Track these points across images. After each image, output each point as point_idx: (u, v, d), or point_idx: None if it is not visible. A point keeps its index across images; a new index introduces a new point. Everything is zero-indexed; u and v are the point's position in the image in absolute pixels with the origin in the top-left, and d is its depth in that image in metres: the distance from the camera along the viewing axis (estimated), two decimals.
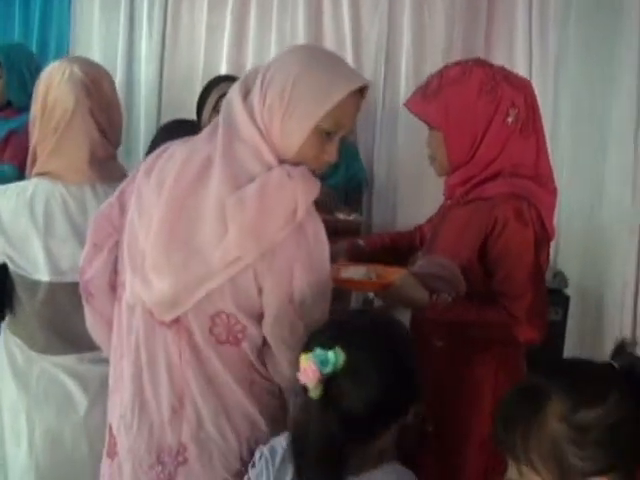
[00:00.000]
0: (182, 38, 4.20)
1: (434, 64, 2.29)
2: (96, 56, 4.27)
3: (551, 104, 3.42)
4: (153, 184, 1.67)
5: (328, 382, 1.39)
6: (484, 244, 2.04)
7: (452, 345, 2.08)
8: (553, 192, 2.17)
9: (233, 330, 1.64)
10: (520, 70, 3.45)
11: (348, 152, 3.46)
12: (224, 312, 1.63)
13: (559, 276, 3.33)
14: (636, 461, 1.27)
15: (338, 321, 1.57)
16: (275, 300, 1.61)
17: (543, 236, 2.06)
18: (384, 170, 3.74)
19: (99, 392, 2.03)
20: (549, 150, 3.25)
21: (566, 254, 3.45)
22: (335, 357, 1.38)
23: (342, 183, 3.43)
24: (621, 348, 1.35)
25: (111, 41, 4.31)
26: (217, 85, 3.46)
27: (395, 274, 2.07)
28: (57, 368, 2.12)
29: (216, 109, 3.43)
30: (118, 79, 4.23)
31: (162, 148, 1.73)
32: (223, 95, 3.38)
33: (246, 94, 1.68)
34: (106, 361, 1.83)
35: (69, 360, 2.12)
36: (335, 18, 3.84)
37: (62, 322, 2.09)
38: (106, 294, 1.79)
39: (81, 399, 2.12)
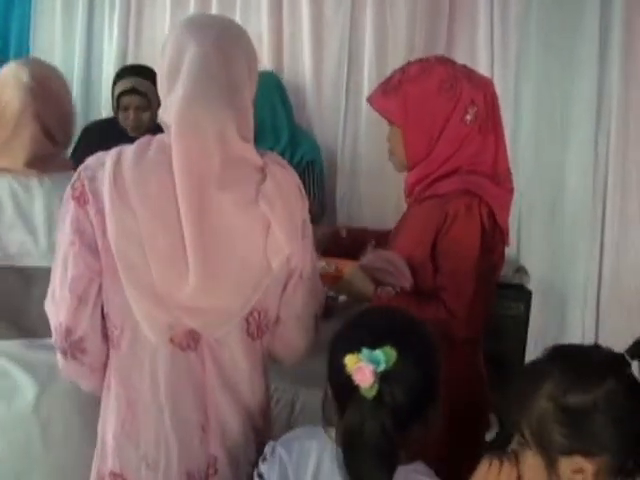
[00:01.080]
0: (144, 36, 4.17)
1: (397, 62, 2.30)
2: (57, 55, 4.25)
3: (512, 102, 3.45)
4: (144, 215, 1.55)
5: (380, 380, 1.40)
6: (435, 240, 2.06)
7: None
8: (510, 191, 2.19)
9: (262, 325, 1.69)
10: (481, 68, 3.47)
11: (296, 137, 3.47)
12: (256, 310, 1.66)
13: (521, 271, 3.36)
14: (629, 454, 1.34)
15: (371, 320, 1.59)
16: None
17: (494, 234, 2.08)
18: (348, 167, 3.75)
19: (48, 378, 2.00)
20: (510, 147, 3.30)
21: (528, 250, 3.48)
22: (387, 355, 1.39)
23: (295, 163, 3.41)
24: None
25: (71, 40, 4.28)
26: (120, 79, 3.47)
27: (349, 267, 2.12)
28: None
29: (121, 107, 3.44)
30: (78, 78, 4.21)
31: (111, 169, 1.57)
32: (125, 92, 3.42)
33: None
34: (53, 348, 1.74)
35: (14, 346, 2.06)
36: (298, 16, 3.83)
37: (9, 306, 2.05)
38: (101, 348, 1.69)
39: (29, 385, 2.04)
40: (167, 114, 1.59)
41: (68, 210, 1.61)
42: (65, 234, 1.62)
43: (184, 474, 1.70)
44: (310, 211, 3.37)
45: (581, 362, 1.38)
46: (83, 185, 1.60)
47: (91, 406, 1.84)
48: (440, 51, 3.45)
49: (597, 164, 3.27)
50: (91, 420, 1.83)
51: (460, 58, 3.43)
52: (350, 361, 1.39)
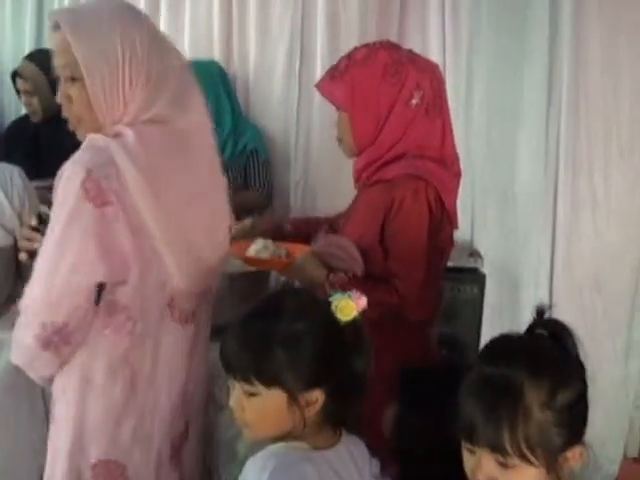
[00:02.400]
0: None
1: (348, 49, 2.30)
2: (7, 49, 4.19)
3: (464, 87, 3.48)
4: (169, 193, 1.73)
5: None
6: (383, 225, 2.08)
7: None
8: (457, 174, 2.22)
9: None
10: (433, 55, 3.49)
11: (238, 126, 3.46)
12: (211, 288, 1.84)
13: (475, 255, 3.41)
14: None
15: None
16: None
17: (442, 217, 2.11)
18: (302, 156, 3.75)
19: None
20: (463, 133, 3.35)
21: (482, 234, 3.52)
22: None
23: (235, 158, 3.43)
24: (541, 315, 1.44)
25: (21, 34, 4.21)
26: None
27: (300, 252, 2.13)
28: None
29: (17, 89, 3.52)
30: None
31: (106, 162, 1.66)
32: (13, 76, 3.50)
33: None
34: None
35: None
36: (248, 4, 3.82)
37: None
38: (84, 340, 1.72)
39: None
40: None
41: (82, 211, 1.61)
42: (75, 233, 1.62)
43: (169, 444, 1.82)
44: (253, 201, 3.41)
45: (536, 358, 1.36)
46: (99, 185, 1.61)
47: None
48: (392, 38, 3.46)
49: (548, 148, 3.31)
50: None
51: (412, 45, 3.45)
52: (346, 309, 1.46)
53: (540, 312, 1.45)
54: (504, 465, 1.30)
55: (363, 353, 1.47)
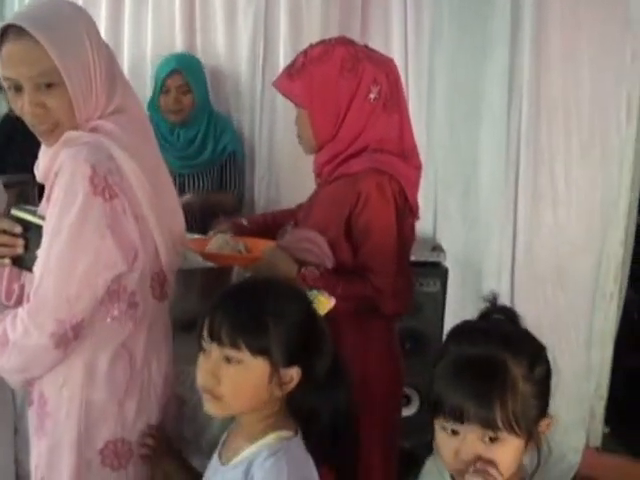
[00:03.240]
0: None
1: (311, 41, 2.31)
2: None
3: (426, 79, 3.49)
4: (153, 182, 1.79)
5: None
6: (349, 219, 2.09)
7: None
8: (417, 167, 2.23)
9: None
10: (395, 49, 3.50)
11: (218, 125, 3.44)
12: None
13: (437, 249, 3.42)
14: None
15: None
16: None
17: (405, 209, 2.13)
18: (266, 150, 3.73)
19: None
20: (425, 125, 3.36)
21: (444, 227, 3.54)
22: None
23: (214, 158, 3.41)
24: (495, 301, 1.49)
25: None
26: None
27: (263, 247, 2.13)
28: None
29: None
30: None
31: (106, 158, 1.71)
32: None
33: None
34: None
35: None
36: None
37: None
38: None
39: None
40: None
41: (93, 207, 1.65)
42: (89, 229, 1.65)
43: (161, 419, 1.89)
44: (229, 203, 3.39)
45: (512, 338, 1.40)
46: (105, 180, 1.66)
47: None
48: (355, 32, 3.47)
49: (509, 141, 3.34)
50: None
51: (374, 38, 3.48)
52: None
53: (494, 298, 1.49)
54: (490, 440, 1.33)
55: (325, 350, 1.52)
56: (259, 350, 1.45)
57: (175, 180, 3.11)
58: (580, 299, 3.38)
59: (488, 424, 1.31)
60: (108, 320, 1.76)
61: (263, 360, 1.46)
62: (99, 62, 1.73)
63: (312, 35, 3.37)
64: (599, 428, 3.62)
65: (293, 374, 1.49)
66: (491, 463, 1.32)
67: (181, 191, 3.20)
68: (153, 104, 3.29)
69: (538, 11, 3.16)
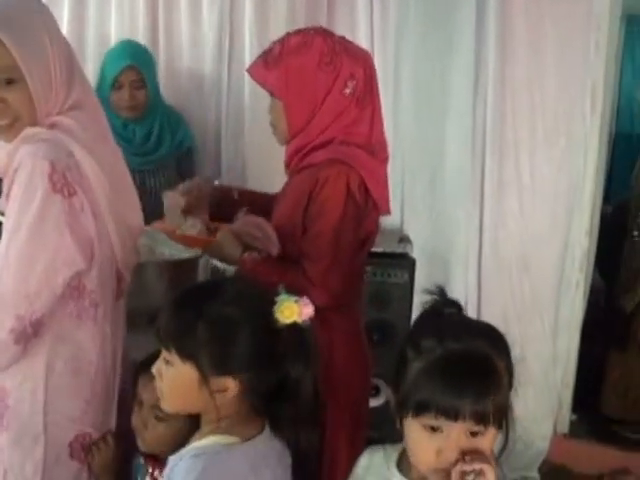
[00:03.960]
0: None
1: (278, 34, 2.29)
2: None
3: (392, 73, 3.49)
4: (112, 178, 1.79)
5: None
6: (307, 207, 2.09)
7: None
8: (384, 161, 2.23)
9: None
10: (362, 40, 3.49)
11: (172, 118, 3.38)
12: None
13: (405, 240, 3.43)
14: None
15: None
16: None
17: (366, 203, 2.11)
18: (233, 142, 3.71)
19: None
20: (392, 118, 3.36)
21: (411, 218, 3.55)
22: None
23: (172, 152, 3.35)
24: (444, 294, 1.47)
25: None
26: None
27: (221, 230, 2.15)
28: None
29: None
30: None
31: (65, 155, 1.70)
32: None
33: None
34: None
35: None
36: None
37: None
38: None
39: None
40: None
41: (53, 204, 1.65)
42: (49, 226, 1.65)
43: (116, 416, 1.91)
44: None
45: (486, 330, 1.43)
46: (64, 177, 1.66)
47: None
48: (322, 22, 3.46)
49: (475, 133, 3.36)
50: None
51: (340, 30, 3.45)
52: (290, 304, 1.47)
53: (441, 292, 1.47)
54: (475, 434, 1.32)
55: (301, 360, 1.46)
56: (186, 356, 1.44)
57: (135, 177, 3.10)
58: (546, 288, 3.42)
59: (481, 419, 1.30)
60: (68, 318, 1.76)
61: (191, 366, 1.44)
62: (59, 58, 1.73)
63: (278, 28, 3.34)
64: (566, 415, 3.66)
65: (228, 384, 1.45)
66: (481, 452, 1.32)
67: (142, 187, 3.13)
68: (103, 100, 3.16)
69: (503, 3, 3.18)
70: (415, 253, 3.38)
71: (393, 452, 1.48)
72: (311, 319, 1.49)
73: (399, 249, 3.35)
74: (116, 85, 3.12)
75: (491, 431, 1.32)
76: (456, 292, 3.45)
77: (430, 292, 1.47)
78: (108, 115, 3.07)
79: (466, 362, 1.32)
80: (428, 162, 3.51)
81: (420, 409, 1.31)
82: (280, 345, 1.45)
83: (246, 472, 1.44)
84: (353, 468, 1.55)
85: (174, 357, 1.45)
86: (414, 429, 1.34)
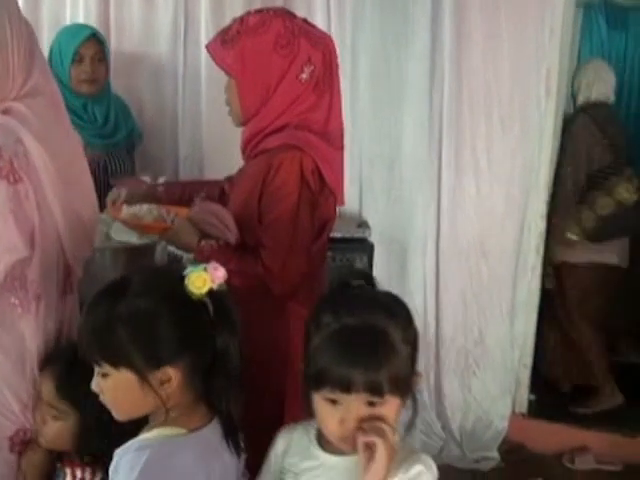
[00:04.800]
0: None
1: (234, 17, 2.26)
2: None
3: (349, 60, 3.49)
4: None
5: None
6: (261, 194, 2.05)
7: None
8: (340, 149, 2.19)
9: None
10: (318, 26, 3.48)
11: (119, 107, 3.32)
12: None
13: (363, 226, 3.45)
14: None
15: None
16: None
17: (322, 189, 2.09)
18: (189, 127, 3.68)
19: None
20: (349, 105, 3.37)
21: (370, 204, 3.57)
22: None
23: (127, 138, 3.29)
24: (353, 267, 1.49)
25: None
26: None
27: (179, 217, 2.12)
28: None
29: None
30: None
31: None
32: None
33: None
34: None
35: None
36: None
37: None
38: None
39: None
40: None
41: None
42: None
43: None
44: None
45: (386, 303, 1.43)
46: (11, 163, 1.62)
47: None
48: (279, 3, 3.44)
49: (432, 118, 3.39)
50: None
51: (297, 13, 3.45)
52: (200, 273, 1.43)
53: (350, 264, 1.50)
54: (374, 404, 1.34)
55: (226, 327, 1.44)
56: (117, 362, 1.40)
57: (99, 159, 3.05)
58: (503, 271, 3.47)
59: (375, 390, 1.32)
60: (9, 308, 1.71)
61: (126, 371, 1.40)
62: (17, 41, 1.68)
63: (234, 11, 3.32)
64: (525, 395, 3.72)
65: (170, 374, 1.41)
66: (379, 419, 1.34)
67: (104, 172, 3.09)
68: (63, 78, 3.05)
69: None
70: (374, 238, 3.41)
71: (311, 428, 1.50)
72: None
73: (358, 234, 3.37)
74: (77, 58, 3.04)
75: (391, 400, 1.35)
76: (415, 276, 3.50)
77: (342, 266, 1.49)
78: (67, 96, 3.05)
79: (358, 335, 1.34)
80: (386, 148, 3.52)
81: (318, 383, 1.35)
82: (204, 318, 1.43)
83: (191, 463, 1.41)
84: (269, 453, 1.55)
85: (107, 368, 1.41)
86: (318, 402, 1.38)
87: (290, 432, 1.54)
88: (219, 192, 2.44)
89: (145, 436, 1.44)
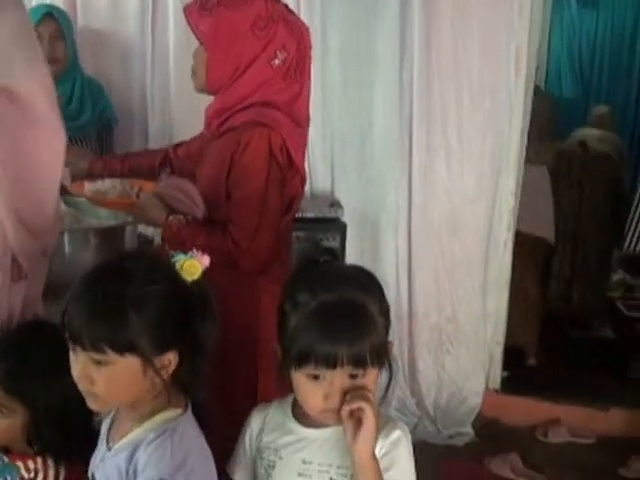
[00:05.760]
0: None
1: None
2: None
3: (319, 39, 3.47)
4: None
5: None
6: (229, 171, 2.06)
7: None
8: (303, 133, 2.22)
9: None
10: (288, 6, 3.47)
11: (92, 87, 3.29)
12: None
13: (335, 205, 3.45)
14: None
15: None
16: None
17: (290, 166, 2.10)
18: (159, 110, 3.66)
19: None
20: (320, 85, 3.36)
21: (342, 184, 3.56)
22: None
23: (93, 121, 3.26)
24: (319, 244, 1.50)
25: None
26: None
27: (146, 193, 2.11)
28: None
29: None
30: None
31: None
32: None
33: None
34: None
35: None
36: None
37: None
38: None
39: None
40: None
41: None
42: None
43: None
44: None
45: (359, 277, 1.46)
46: None
47: None
48: None
49: (402, 98, 3.39)
50: None
51: None
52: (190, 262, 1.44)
53: (315, 242, 1.52)
54: (356, 376, 1.37)
55: (208, 315, 1.45)
56: (125, 349, 1.37)
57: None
58: (475, 248, 3.49)
59: (359, 363, 1.35)
60: None
61: (132, 357, 1.37)
62: None
63: None
64: (498, 372, 3.75)
65: (170, 358, 1.42)
66: (362, 387, 1.37)
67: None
68: None
69: None
70: (346, 217, 3.42)
71: (285, 405, 1.52)
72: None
73: (330, 214, 3.38)
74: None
75: (371, 371, 1.38)
76: (387, 255, 3.52)
77: (308, 244, 1.51)
78: None
79: (338, 311, 1.37)
80: (357, 128, 3.52)
81: (301, 361, 1.36)
82: (192, 304, 1.44)
83: (199, 437, 1.45)
84: (242, 438, 1.55)
85: (110, 356, 1.37)
86: (300, 380, 1.39)
87: (263, 411, 1.55)
88: (161, 158, 2.45)
89: (153, 424, 1.44)
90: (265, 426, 1.52)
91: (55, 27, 3.05)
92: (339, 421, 1.38)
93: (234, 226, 2.03)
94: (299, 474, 1.46)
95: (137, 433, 1.44)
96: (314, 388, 1.38)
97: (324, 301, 1.37)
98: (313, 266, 1.47)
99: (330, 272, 1.44)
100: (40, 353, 1.63)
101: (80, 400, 1.43)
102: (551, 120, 4.19)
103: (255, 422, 1.54)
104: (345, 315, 1.36)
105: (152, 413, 1.45)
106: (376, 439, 1.37)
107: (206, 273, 1.45)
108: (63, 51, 3.09)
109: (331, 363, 1.34)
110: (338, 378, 1.36)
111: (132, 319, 1.36)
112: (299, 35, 2.12)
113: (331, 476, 1.44)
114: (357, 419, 1.35)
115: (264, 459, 1.50)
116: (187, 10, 2.11)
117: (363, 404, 1.34)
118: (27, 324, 1.77)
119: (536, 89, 3.63)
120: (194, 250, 1.44)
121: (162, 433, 1.41)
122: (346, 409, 1.36)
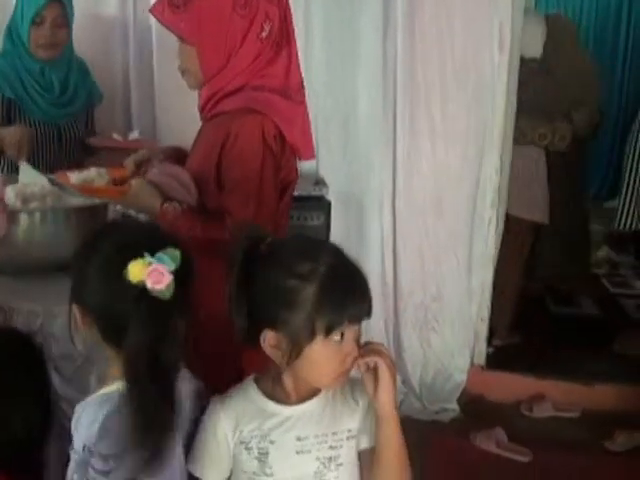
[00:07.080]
0: None
1: None
2: None
3: (302, 18, 3.46)
4: None
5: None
6: (220, 158, 2.02)
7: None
8: (301, 103, 2.17)
9: None
10: None
11: (81, 67, 3.21)
12: None
13: (320, 183, 3.46)
14: None
15: (135, 229, 1.59)
16: None
17: (283, 151, 2.06)
18: (142, 90, 3.63)
19: None
20: (303, 64, 3.34)
21: (327, 162, 3.56)
22: (175, 254, 1.38)
23: (86, 104, 3.20)
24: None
25: None
26: None
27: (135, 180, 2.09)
28: None
29: None
30: None
31: None
32: None
33: None
34: None
35: None
36: None
37: None
38: None
39: None
40: None
41: None
42: None
43: None
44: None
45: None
46: None
47: None
48: None
49: (386, 77, 3.39)
50: None
51: None
52: (136, 268, 1.35)
53: (255, 228, 1.56)
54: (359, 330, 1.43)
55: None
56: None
57: (53, 133, 3.01)
58: (459, 226, 3.50)
59: (370, 313, 1.42)
60: None
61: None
62: None
63: None
64: (483, 348, 3.77)
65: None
66: (370, 343, 1.43)
67: (58, 141, 3.04)
68: (23, 39, 2.97)
69: None
70: (331, 196, 3.42)
71: (248, 392, 1.49)
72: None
73: (315, 192, 3.38)
74: (37, 20, 2.94)
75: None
76: (372, 233, 3.52)
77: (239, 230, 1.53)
78: (26, 59, 2.99)
79: (347, 268, 1.41)
80: (341, 107, 3.51)
81: (332, 325, 1.36)
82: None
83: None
84: (209, 442, 1.49)
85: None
86: (323, 348, 1.38)
87: (227, 408, 1.48)
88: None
89: (105, 391, 1.45)
90: (240, 418, 1.47)
91: (59, 12, 2.97)
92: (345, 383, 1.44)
93: (230, 217, 1.99)
94: (297, 452, 1.44)
95: (92, 396, 1.46)
96: (335, 352, 1.39)
97: (329, 264, 1.38)
98: (287, 241, 1.51)
99: (306, 242, 1.49)
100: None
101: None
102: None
103: (225, 417, 1.47)
104: (353, 270, 1.41)
105: (110, 381, 1.46)
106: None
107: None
108: (64, 38, 3.04)
109: (358, 318, 1.40)
110: (352, 335, 1.40)
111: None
112: (278, 1, 2.09)
113: (330, 444, 1.45)
114: (374, 371, 1.39)
115: (252, 449, 1.45)
116: (155, 12, 2.07)
117: (376, 358, 1.38)
118: None
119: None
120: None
121: (104, 402, 1.42)
122: (362, 362, 1.39)
